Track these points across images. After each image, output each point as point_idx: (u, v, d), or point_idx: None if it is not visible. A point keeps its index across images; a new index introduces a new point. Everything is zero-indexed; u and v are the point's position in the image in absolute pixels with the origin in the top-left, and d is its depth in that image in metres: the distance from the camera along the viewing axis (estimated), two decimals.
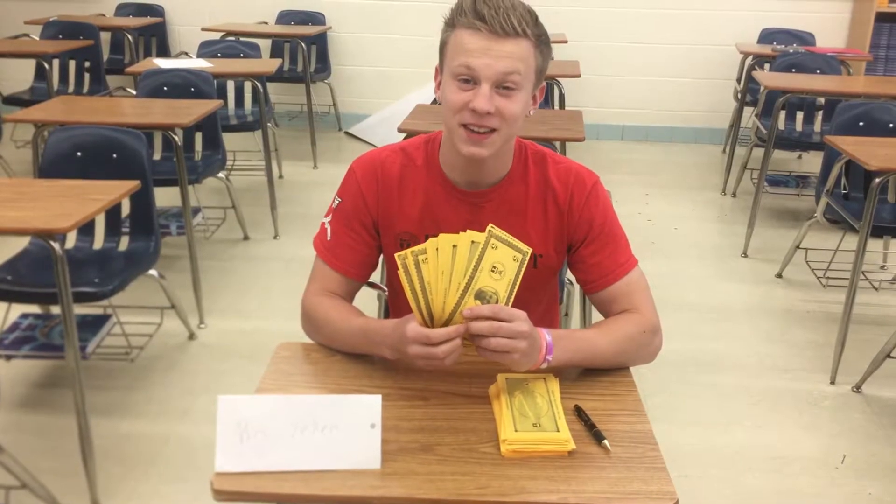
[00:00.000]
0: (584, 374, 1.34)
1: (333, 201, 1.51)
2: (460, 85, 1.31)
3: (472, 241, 1.19)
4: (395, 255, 1.21)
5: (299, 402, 1.10)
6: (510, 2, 1.30)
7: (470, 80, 1.30)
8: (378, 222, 1.49)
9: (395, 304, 1.64)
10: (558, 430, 1.14)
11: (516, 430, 1.14)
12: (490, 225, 1.21)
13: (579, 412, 1.22)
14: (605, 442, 1.14)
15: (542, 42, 1.33)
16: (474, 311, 1.18)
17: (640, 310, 1.41)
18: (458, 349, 1.20)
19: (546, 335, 1.26)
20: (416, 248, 1.20)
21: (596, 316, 1.55)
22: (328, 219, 1.50)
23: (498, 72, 1.29)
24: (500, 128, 1.32)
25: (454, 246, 1.19)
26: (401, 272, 1.20)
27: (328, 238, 1.49)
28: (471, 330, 1.19)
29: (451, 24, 1.34)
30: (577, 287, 2.16)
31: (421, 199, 1.46)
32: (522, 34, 1.29)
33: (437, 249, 1.19)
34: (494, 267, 1.20)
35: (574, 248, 1.47)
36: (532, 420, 1.17)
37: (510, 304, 1.22)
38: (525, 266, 1.22)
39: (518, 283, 1.22)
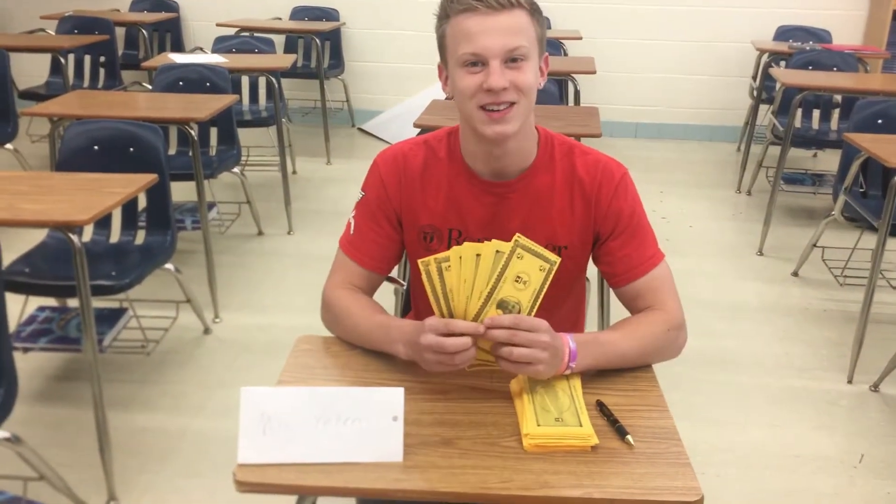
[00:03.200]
0: (605, 369, 1.33)
1: (359, 196, 1.51)
2: (469, 69, 1.30)
3: (497, 251, 1.19)
4: (419, 261, 1.21)
5: (322, 395, 1.10)
6: None
7: (478, 63, 1.29)
8: (401, 215, 1.48)
9: (414, 297, 1.64)
10: (581, 425, 1.14)
11: (538, 425, 1.13)
12: (517, 234, 1.20)
13: (601, 407, 1.21)
14: (629, 437, 1.13)
15: (535, 11, 1.33)
16: (495, 320, 1.18)
17: (665, 306, 1.40)
18: (470, 347, 1.18)
19: (570, 342, 1.25)
20: (439, 256, 1.20)
21: (615, 311, 1.53)
22: (353, 213, 1.50)
23: (505, 47, 1.28)
24: (518, 100, 1.31)
25: (477, 255, 1.18)
26: (424, 278, 1.20)
27: (351, 233, 1.49)
28: (488, 337, 1.18)
29: (444, 16, 1.33)
30: (594, 284, 2.16)
31: (444, 192, 1.45)
32: (517, 5, 1.29)
33: (460, 258, 1.18)
34: (519, 277, 1.19)
35: (601, 240, 1.46)
36: (554, 415, 1.16)
37: (534, 313, 1.21)
38: (552, 276, 1.21)
39: (543, 294, 1.21)
